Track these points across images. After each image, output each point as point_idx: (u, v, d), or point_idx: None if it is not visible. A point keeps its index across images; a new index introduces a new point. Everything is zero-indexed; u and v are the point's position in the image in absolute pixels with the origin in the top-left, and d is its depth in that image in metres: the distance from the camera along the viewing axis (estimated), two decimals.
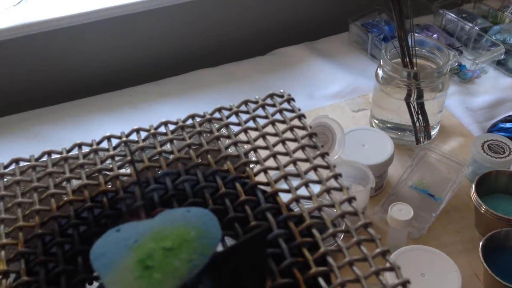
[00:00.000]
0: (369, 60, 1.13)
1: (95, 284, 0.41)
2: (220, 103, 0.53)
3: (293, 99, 0.51)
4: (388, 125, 0.96)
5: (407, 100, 0.90)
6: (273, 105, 0.52)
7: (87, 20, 1.02)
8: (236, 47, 1.19)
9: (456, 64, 1.06)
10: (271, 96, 0.52)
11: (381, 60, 0.90)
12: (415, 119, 0.92)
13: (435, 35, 1.12)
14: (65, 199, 0.44)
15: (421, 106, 0.91)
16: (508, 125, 0.95)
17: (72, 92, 1.08)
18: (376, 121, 0.97)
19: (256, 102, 0.52)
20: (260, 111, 0.51)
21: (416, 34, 0.91)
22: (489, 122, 0.98)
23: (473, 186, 0.81)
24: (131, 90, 1.10)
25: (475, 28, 1.09)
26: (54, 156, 0.49)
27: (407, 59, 0.88)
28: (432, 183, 0.87)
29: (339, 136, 0.83)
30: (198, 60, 1.15)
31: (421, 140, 0.95)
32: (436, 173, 0.88)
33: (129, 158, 0.47)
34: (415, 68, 0.89)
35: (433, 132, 0.96)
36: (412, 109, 0.91)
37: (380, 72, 0.91)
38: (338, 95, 1.06)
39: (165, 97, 1.08)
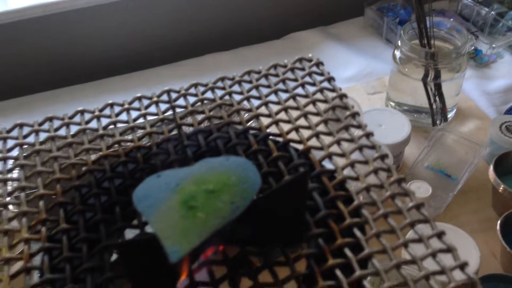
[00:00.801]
0: (384, 44, 1.14)
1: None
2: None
3: (322, 63, 0.52)
4: (405, 108, 0.96)
5: (424, 80, 0.90)
6: (302, 69, 0.52)
7: (102, 2, 1.03)
8: (251, 31, 1.19)
9: (472, 48, 1.07)
10: (300, 60, 0.52)
11: (399, 41, 0.90)
12: (432, 101, 0.92)
13: (451, 20, 1.12)
14: (100, 154, 0.45)
15: (438, 87, 0.91)
16: None
17: (87, 74, 1.09)
18: (393, 104, 0.97)
19: (285, 66, 0.52)
20: (289, 75, 0.52)
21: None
22: (506, 106, 0.98)
23: (491, 166, 0.81)
24: (145, 72, 1.10)
25: (491, 13, 1.10)
26: (86, 115, 0.49)
27: (425, 40, 0.89)
28: (449, 164, 0.87)
29: None
30: (212, 44, 1.16)
31: (438, 122, 0.95)
32: (453, 154, 0.88)
33: (161, 116, 0.48)
34: (433, 49, 0.89)
35: (450, 115, 0.96)
36: (429, 90, 0.91)
37: (397, 53, 0.92)
38: (353, 79, 1.07)
39: (179, 80, 1.08)
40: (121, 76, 1.09)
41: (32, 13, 1.00)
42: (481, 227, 0.81)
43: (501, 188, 0.79)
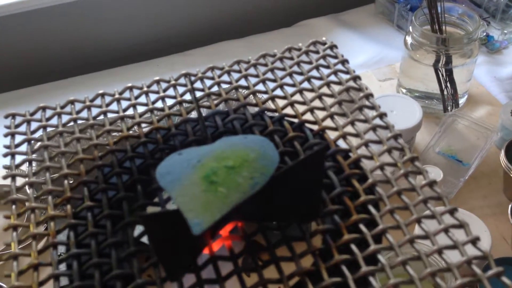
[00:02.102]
0: (395, 31, 1.14)
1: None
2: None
3: (336, 46, 0.53)
4: (416, 94, 0.96)
5: (436, 66, 0.90)
6: (316, 52, 0.53)
7: None
8: (262, 18, 1.20)
9: (484, 34, 1.07)
10: (314, 43, 0.53)
11: (410, 27, 0.91)
12: (443, 87, 0.93)
13: (462, 6, 1.12)
14: (121, 135, 0.46)
15: (449, 73, 0.91)
16: None
17: (100, 62, 1.10)
18: (404, 90, 0.98)
19: (299, 50, 0.53)
20: (303, 58, 0.53)
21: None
22: None
23: (503, 151, 0.82)
24: (158, 60, 1.11)
25: None
26: (107, 98, 0.51)
27: (436, 26, 0.89)
28: (460, 149, 0.87)
29: None
30: (224, 31, 1.16)
31: (449, 108, 0.95)
32: (465, 139, 0.89)
33: (179, 99, 0.49)
34: (444, 34, 0.90)
35: (461, 101, 0.97)
36: (441, 76, 0.92)
37: (408, 39, 0.92)
38: (364, 65, 1.07)
39: (191, 68, 1.08)
40: (136, 64, 1.10)
41: (47, 2, 1.02)
42: (492, 211, 0.81)
43: None
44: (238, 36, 1.15)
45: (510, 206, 0.75)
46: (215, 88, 0.51)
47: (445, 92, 0.93)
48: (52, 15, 1.04)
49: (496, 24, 1.10)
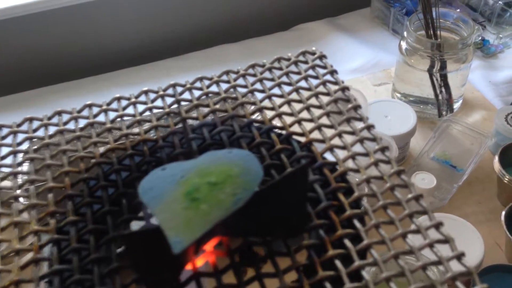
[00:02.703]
0: (391, 35, 1.14)
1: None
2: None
3: (325, 56, 0.52)
4: (411, 99, 0.96)
5: (430, 71, 0.90)
6: (305, 62, 0.53)
7: None
8: (258, 22, 1.20)
9: (480, 38, 1.07)
10: (303, 53, 0.53)
11: (405, 32, 0.91)
12: (438, 92, 0.92)
13: (458, 10, 1.12)
14: (107, 147, 0.46)
15: (444, 78, 0.91)
16: None
17: (96, 66, 1.10)
18: (398, 95, 0.98)
19: (288, 59, 0.53)
20: (292, 68, 0.53)
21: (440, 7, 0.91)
22: None
23: (497, 157, 0.81)
24: (154, 65, 1.11)
25: (499, 2, 1.09)
26: (94, 109, 0.50)
27: (431, 31, 0.89)
28: (454, 155, 0.87)
29: (362, 107, 0.84)
30: (221, 35, 1.16)
31: (444, 113, 0.95)
32: (459, 144, 0.88)
33: (167, 110, 0.49)
34: (438, 40, 0.89)
35: (456, 106, 0.96)
36: (435, 81, 0.91)
37: (403, 44, 0.92)
38: (360, 70, 1.07)
39: (187, 72, 1.09)
40: (129, 69, 1.10)
41: (39, 7, 1.01)
42: (486, 217, 0.81)
43: (506, 179, 0.79)
44: (234, 40, 1.15)
45: (503, 213, 0.74)
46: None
47: (440, 97, 0.93)
48: (45, 20, 1.04)
49: (492, 28, 1.10)
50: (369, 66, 1.08)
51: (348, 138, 0.46)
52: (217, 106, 0.49)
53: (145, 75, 1.08)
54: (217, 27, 1.18)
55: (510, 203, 0.76)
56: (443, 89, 0.92)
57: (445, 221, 0.73)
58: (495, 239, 0.78)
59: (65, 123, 0.49)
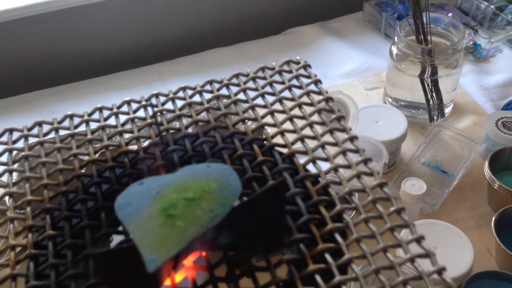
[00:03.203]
0: (383, 39, 1.13)
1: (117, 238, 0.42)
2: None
3: (309, 66, 0.52)
4: (402, 103, 0.96)
5: (421, 77, 0.90)
6: (290, 72, 0.52)
7: None
8: (251, 26, 1.19)
9: (471, 43, 1.06)
10: (288, 62, 0.53)
11: (396, 37, 0.90)
12: (429, 97, 0.92)
13: (450, 14, 1.12)
14: (88, 159, 0.46)
15: (435, 83, 0.91)
16: None
17: (88, 70, 1.10)
18: (390, 99, 0.97)
19: (272, 69, 0.53)
20: (276, 77, 0.52)
21: (431, 12, 0.91)
22: (503, 101, 0.98)
23: (487, 163, 0.81)
24: (146, 69, 1.11)
25: (491, 6, 1.09)
26: (76, 119, 0.50)
27: (422, 36, 0.88)
28: (445, 160, 0.87)
29: (353, 112, 0.84)
30: (213, 39, 1.16)
31: (435, 118, 0.95)
32: (450, 150, 0.88)
33: (149, 120, 0.48)
34: (429, 45, 0.89)
35: (447, 110, 0.96)
36: (426, 86, 0.91)
37: (394, 49, 0.92)
38: (352, 74, 1.07)
39: (180, 76, 1.09)
40: (122, 73, 1.09)
41: (29, 11, 1.01)
42: (477, 223, 0.81)
43: (496, 185, 0.79)
44: (226, 44, 1.15)
45: (493, 218, 0.74)
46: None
47: (431, 102, 0.93)
48: (36, 24, 1.03)
49: (484, 32, 1.10)
50: (361, 70, 1.07)
51: (332, 150, 0.46)
52: (200, 117, 0.49)
53: (137, 79, 1.08)
54: (209, 31, 1.18)
55: (501, 209, 0.76)
56: (434, 94, 0.92)
57: (435, 228, 0.74)
58: (486, 245, 0.78)
59: (46, 134, 0.48)
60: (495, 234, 0.72)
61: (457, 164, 0.86)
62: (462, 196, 0.85)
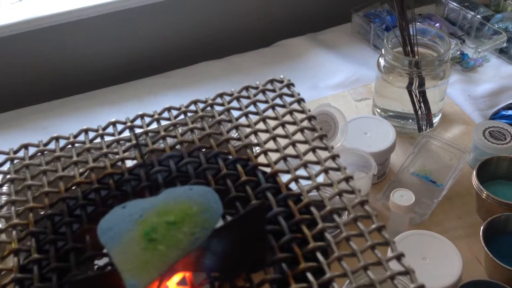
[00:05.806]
0: (372, 50, 1.14)
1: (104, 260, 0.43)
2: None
3: (292, 84, 0.53)
4: (390, 114, 0.97)
5: (409, 88, 0.91)
6: (273, 90, 0.53)
7: (92, 14, 1.04)
8: (240, 39, 1.20)
9: (459, 53, 1.07)
10: (271, 81, 0.54)
11: (383, 49, 0.91)
12: (417, 107, 0.93)
13: (437, 24, 1.13)
14: (73, 181, 0.46)
15: (423, 94, 0.92)
16: (510, 112, 0.96)
17: (79, 85, 1.11)
18: (379, 110, 0.98)
19: (256, 88, 0.54)
20: (260, 96, 0.53)
21: (418, 23, 0.92)
22: (491, 110, 0.99)
23: (474, 172, 0.82)
24: (137, 83, 1.11)
25: (477, 16, 1.10)
26: (61, 141, 0.51)
27: (409, 48, 0.89)
28: (434, 170, 0.88)
29: (341, 124, 0.85)
30: (203, 52, 1.17)
31: (423, 128, 0.96)
32: (438, 160, 0.89)
33: (134, 142, 0.49)
34: (416, 57, 0.90)
35: (435, 120, 0.97)
36: (414, 97, 0.92)
37: (381, 61, 0.93)
38: (341, 85, 1.08)
39: (170, 89, 1.10)
40: (113, 87, 1.10)
41: (21, 28, 1.02)
42: (466, 232, 0.82)
43: (484, 194, 0.80)
44: (217, 57, 1.15)
45: (481, 228, 0.75)
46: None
47: (419, 113, 0.94)
48: (28, 39, 1.04)
49: (471, 42, 1.11)
50: (351, 81, 1.08)
51: (315, 168, 0.47)
52: (184, 137, 0.49)
53: (128, 93, 1.09)
54: (199, 44, 1.19)
55: (489, 218, 0.76)
56: (422, 105, 0.93)
57: (424, 238, 0.75)
58: (474, 253, 0.78)
59: (31, 157, 0.49)
60: (483, 243, 0.73)
61: (446, 174, 0.87)
62: (451, 205, 0.85)
